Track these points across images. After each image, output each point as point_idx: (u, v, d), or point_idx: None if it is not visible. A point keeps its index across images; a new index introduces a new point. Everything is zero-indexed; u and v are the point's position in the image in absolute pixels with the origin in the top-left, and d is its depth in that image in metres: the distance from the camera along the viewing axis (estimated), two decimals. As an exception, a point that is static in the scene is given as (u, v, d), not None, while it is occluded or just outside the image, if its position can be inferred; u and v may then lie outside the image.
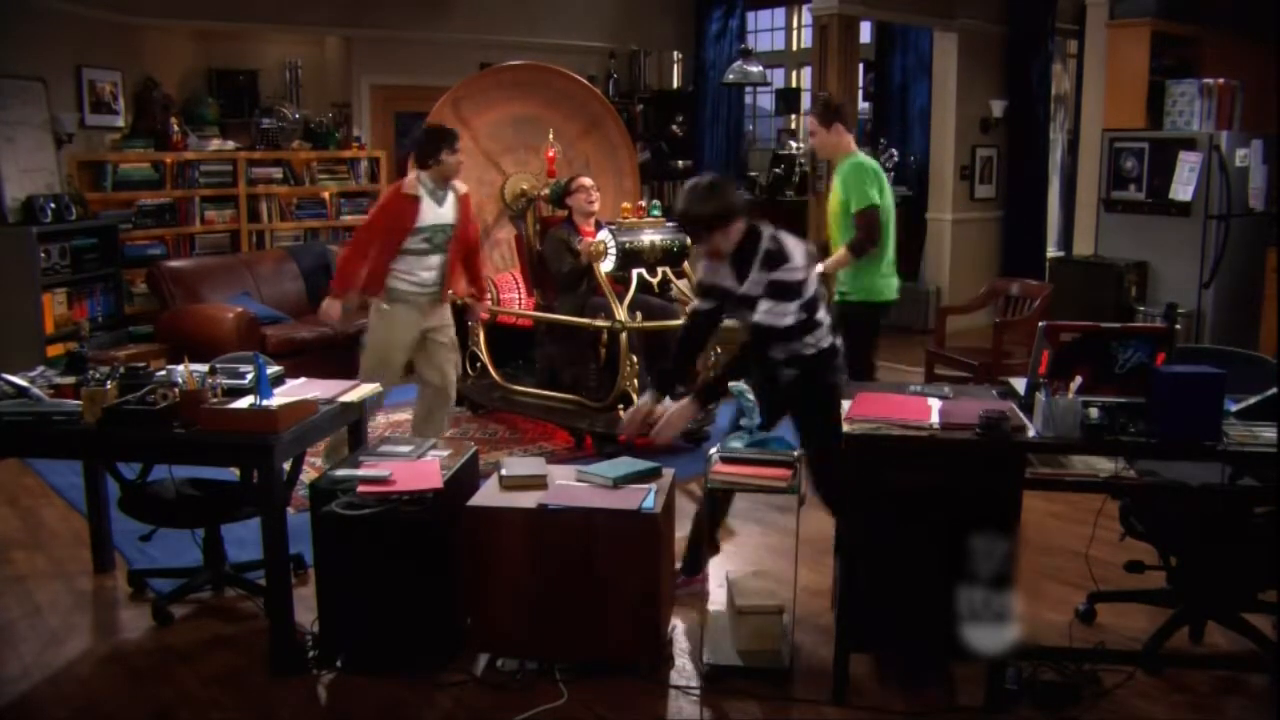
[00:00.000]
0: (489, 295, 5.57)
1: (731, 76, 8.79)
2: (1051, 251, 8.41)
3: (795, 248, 3.46)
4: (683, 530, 3.79)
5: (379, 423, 5.92)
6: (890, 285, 4.81)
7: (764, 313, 3.42)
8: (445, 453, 3.56)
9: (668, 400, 3.64)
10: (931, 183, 8.45)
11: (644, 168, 8.94)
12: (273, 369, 3.62)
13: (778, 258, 3.42)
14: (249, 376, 3.50)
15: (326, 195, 8.15)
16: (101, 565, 4.05)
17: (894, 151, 9.07)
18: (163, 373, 3.56)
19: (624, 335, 5.30)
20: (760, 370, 3.57)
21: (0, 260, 6.12)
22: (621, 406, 5.31)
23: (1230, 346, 4.17)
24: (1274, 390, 3.02)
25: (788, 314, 3.42)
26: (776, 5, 10.47)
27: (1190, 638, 3.45)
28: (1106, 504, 3.60)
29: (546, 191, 6.03)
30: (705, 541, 3.81)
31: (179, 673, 3.30)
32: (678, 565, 3.79)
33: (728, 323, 3.75)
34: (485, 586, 3.26)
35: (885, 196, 4.72)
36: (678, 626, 3.54)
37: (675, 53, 10.08)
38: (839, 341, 3.67)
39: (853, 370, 3.79)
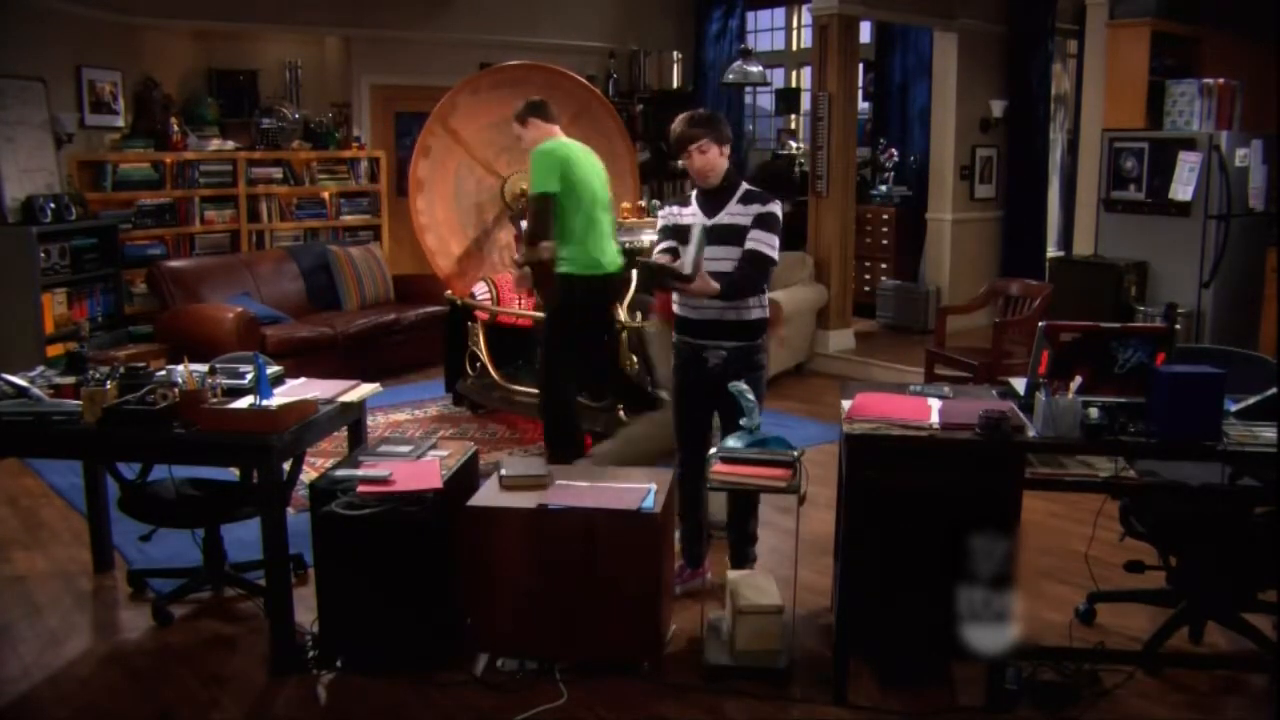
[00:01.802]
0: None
1: (731, 76, 8.78)
2: (1051, 251, 8.38)
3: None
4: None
5: (379, 422, 5.92)
6: (606, 259, 4.65)
7: (755, 240, 3.52)
8: (445, 453, 3.56)
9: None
10: (931, 183, 8.44)
11: (644, 168, 8.94)
12: (273, 369, 3.62)
13: (761, 197, 3.60)
14: (249, 376, 3.50)
15: (326, 195, 8.15)
16: (101, 565, 4.05)
17: (894, 151, 9.07)
18: (163, 373, 3.56)
19: (624, 335, 5.30)
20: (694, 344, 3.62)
21: (0, 260, 6.12)
22: (621, 407, 5.32)
23: (1230, 346, 4.17)
24: (1274, 390, 3.02)
25: (776, 247, 3.55)
26: (776, 5, 10.45)
27: (1190, 638, 3.45)
28: (1106, 504, 3.61)
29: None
30: (702, 531, 3.84)
31: (179, 673, 3.31)
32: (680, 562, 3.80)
33: None
34: (485, 586, 3.26)
35: (572, 182, 4.51)
36: (677, 627, 3.54)
37: (675, 53, 10.06)
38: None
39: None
